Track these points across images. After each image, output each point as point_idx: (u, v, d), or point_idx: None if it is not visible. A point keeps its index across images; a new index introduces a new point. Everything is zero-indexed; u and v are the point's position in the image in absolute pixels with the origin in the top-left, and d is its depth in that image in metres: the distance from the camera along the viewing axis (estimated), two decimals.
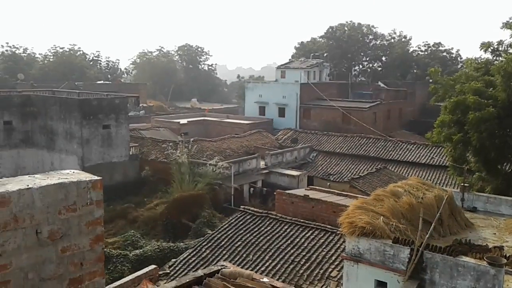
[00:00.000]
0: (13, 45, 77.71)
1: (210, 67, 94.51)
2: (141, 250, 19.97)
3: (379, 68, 73.71)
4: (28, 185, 2.36)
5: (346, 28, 73.46)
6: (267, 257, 15.35)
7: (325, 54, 62.25)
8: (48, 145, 31.58)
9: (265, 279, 3.53)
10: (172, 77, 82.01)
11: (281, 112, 50.08)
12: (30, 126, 32.07)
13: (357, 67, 75.08)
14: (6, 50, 76.93)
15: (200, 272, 3.63)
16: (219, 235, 16.95)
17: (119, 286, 12.95)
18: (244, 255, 15.59)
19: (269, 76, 74.30)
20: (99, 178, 2.67)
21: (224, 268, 3.68)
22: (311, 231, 16.25)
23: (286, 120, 48.64)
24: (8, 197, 2.25)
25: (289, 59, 64.20)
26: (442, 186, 23.26)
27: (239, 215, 18.02)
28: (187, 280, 3.45)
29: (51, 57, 77.31)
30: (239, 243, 16.27)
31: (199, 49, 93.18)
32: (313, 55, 59.60)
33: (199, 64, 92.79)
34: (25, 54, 79.14)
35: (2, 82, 62.60)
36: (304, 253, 15.19)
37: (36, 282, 2.38)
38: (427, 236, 10.28)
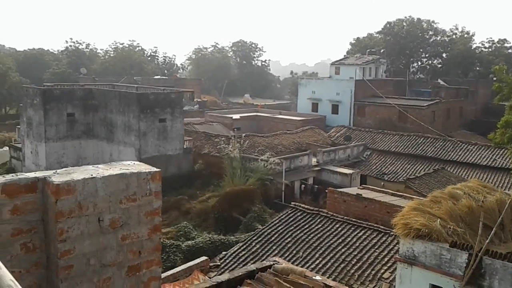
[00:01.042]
0: (77, 41, 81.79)
1: (263, 63, 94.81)
2: (193, 241, 20.41)
3: (439, 65, 70.87)
4: (92, 175, 2.46)
5: (404, 24, 71.17)
6: (317, 255, 15.23)
7: (382, 50, 60.69)
8: (107, 136, 32.94)
9: (318, 277, 3.49)
10: (226, 73, 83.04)
11: (335, 109, 49.38)
12: (91, 118, 33.57)
13: (415, 64, 72.57)
14: (70, 46, 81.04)
15: (252, 267, 3.65)
16: (269, 231, 17.01)
17: (172, 275, 13.34)
18: (294, 252, 15.55)
19: (322, 73, 73.48)
20: (158, 170, 2.74)
21: (276, 263, 3.67)
22: (363, 231, 15.95)
23: (339, 117, 47.91)
24: (74, 186, 2.36)
25: (344, 55, 63.14)
26: (505, 189, 22.07)
27: (289, 212, 17.99)
28: (240, 274, 3.48)
29: (112, 52, 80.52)
30: (289, 239, 16.25)
31: (253, 45, 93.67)
32: (369, 51, 58.25)
33: (252, 60, 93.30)
34: (88, 50, 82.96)
35: (66, 76, 66.05)
36: (355, 253, 14.94)
37: (97, 267, 2.48)
38: (487, 241, 9.80)
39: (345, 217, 16.94)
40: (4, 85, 56.82)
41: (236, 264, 15.42)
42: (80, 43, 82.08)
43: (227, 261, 15.76)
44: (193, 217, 25.08)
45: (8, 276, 1.56)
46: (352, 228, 16.18)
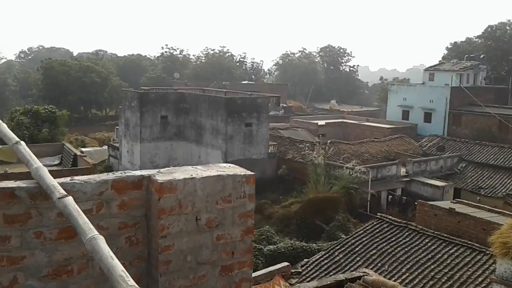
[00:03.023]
0: (171, 47, 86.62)
1: (351, 69, 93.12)
2: (274, 246, 20.52)
3: None
4: (192, 175, 2.57)
5: (508, 28, 65.88)
6: (404, 270, 14.57)
7: (481, 56, 56.71)
8: (196, 139, 34.32)
9: None
10: (312, 78, 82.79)
11: (427, 117, 46.98)
12: (182, 121, 35.19)
13: None
14: (165, 52, 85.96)
15: (341, 276, 3.58)
16: (353, 241, 16.59)
17: (253, 278, 13.52)
18: (379, 265, 15.01)
19: (414, 79, 70.34)
20: (252, 173, 2.79)
21: (366, 275, 3.57)
22: (455, 248, 14.97)
23: (432, 126, 45.48)
24: (175, 185, 2.48)
25: (439, 61, 59.91)
26: None
27: (375, 223, 17.41)
28: (328, 283, 3.43)
29: (203, 58, 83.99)
30: (374, 251, 15.72)
31: (341, 50, 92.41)
32: (467, 56, 54.71)
33: (340, 66, 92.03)
34: (181, 55, 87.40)
35: (160, 80, 70.07)
36: (446, 270, 14.06)
37: (193, 264, 2.58)
38: None
39: (436, 232, 16.04)
40: (105, 88, 61.46)
41: (318, 273, 15.23)
42: (175, 49, 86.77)
43: (309, 268, 15.61)
44: (276, 221, 25.22)
45: (120, 267, 1.67)
46: (443, 244, 15.26)
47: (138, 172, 2.56)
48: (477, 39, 68.55)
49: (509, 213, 18.24)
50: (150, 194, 2.50)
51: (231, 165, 2.93)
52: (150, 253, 2.54)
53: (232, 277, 2.72)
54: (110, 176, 2.48)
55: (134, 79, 71.50)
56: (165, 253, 2.48)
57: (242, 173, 2.76)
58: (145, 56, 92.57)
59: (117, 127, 42.87)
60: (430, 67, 53.07)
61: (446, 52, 69.25)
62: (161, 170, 2.62)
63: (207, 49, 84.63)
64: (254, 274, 13.90)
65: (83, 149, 36.08)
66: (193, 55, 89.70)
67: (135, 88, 43.51)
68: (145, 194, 2.52)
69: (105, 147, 42.28)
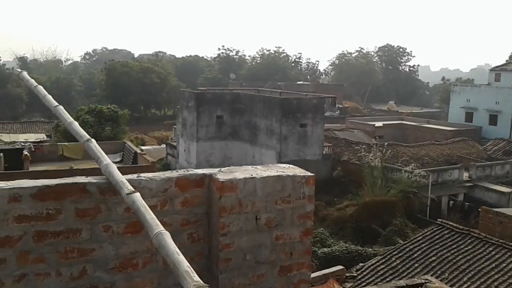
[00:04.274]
0: (228, 48, 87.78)
1: (411, 69, 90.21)
2: (329, 248, 20.27)
3: None
4: (252, 175, 2.58)
5: None
6: (465, 279, 13.92)
7: None
8: (251, 139, 34.59)
9: None
10: (369, 78, 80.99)
11: (493, 119, 44.61)
12: (237, 121, 35.60)
13: None
14: (222, 53, 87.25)
15: (402, 282, 3.47)
16: (411, 246, 16.05)
17: None
18: (439, 272, 14.42)
19: (479, 79, 67.00)
20: (312, 174, 2.77)
21: (428, 282, 3.44)
22: None
23: (498, 129, 43.14)
24: (236, 184, 2.51)
25: (506, 60, 56.71)
26: None
27: (435, 229, 16.74)
28: None
29: (259, 58, 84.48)
30: (433, 258, 15.12)
31: (401, 50, 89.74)
32: None
33: (399, 65, 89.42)
34: (237, 56, 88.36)
35: (217, 81, 71.33)
36: (511, 281, 13.29)
37: (252, 263, 2.60)
38: None
39: (501, 241, 15.19)
40: (164, 88, 63.35)
41: (373, 278, 14.87)
42: (231, 50, 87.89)
43: (364, 273, 15.27)
44: (330, 224, 24.91)
45: (185, 263, 1.71)
46: (509, 253, 14.44)
47: (200, 171, 2.62)
48: None
49: None
50: (212, 192, 2.54)
51: (290, 165, 2.93)
52: (211, 250, 2.59)
53: (291, 278, 2.71)
54: (174, 173, 2.55)
55: (191, 80, 73.22)
56: (225, 250, 2.51)
57: (301, 174, 2.74)
58: (202, 57, 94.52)
59: (175, 126, 44.09)
60: (496, 67, 50.39)
61: None
62: (222, 169, 2.66)
63: (263, 50, 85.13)
64: None
65: (143, 147, 37.47)
66: (249, 56, 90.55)
67: (192, 88, 44.54)
68: (206, 192, 2.56)
69: (163, 145, 43.61)
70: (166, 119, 62.22)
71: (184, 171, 2.60)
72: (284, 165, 2.92)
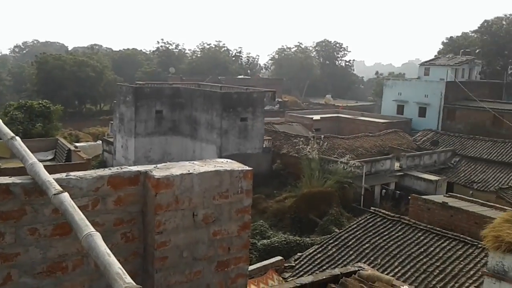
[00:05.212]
0: (167, 42, 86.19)
1: (347, 63, 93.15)
2: (268, 240, 20.57)
3: None
4: (189, 171, 2.56)
5: (504, 22, 66.01)
6: (396, 263, 14.68)
7: (477, 51, 56.89)
8: (191, 134, 34.26)
9: (406, 287, 3.35)
10: (308, 73, 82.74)
11: (422, 112, 47.16)
12: (177, 115, 35.09)
13: None
14: (161, 46, 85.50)
15: (337, 271, 3.59)
16: (346, 235, 16.68)
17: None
18: (372, 258, 15.10)
19: (410, 74, 70.52)
20: (250, 168, 2.79)
21: (361, 269, 3.58)
22: (447, 241, 15.10)
23: (426, 120, 45.67)
24: (172, 180, 2.47)
25: (435, 55, 60.11)
26: None
27: (368, 217, 17.50)
28: (324, 277, 3.44)
29: (199, 52, 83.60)
30: (367, 245, 15.81)
31: (337, 45, 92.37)
32: (463, 51, 54.88)
33: (336, 60, 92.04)
34: (177, 50, 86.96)
35: (156, 75, 69.83)
36: (438, 264, 14.19)
37: (189, 260, 2.58)
38: None
39: (429, 226, 16.16)
40: (100, 83, 61.13)
41: (311, 267, 15.30)
42: (170, 44, 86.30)
43: (302, 262, 15.68)
44: (269, 216, 25.27)
45: (117, 264, 1.66)
46: (436, 238, 15.39)
47: (134, 168, 2.55)
48: (473, 34, 68.69)
49: (502, 207, 18.39)
50: (147, 189, 2.49)
51: (228, 160, 2.93)
52: (146, 249, 2.53)
53: (228, 273, 2.72)
54: (106, 171, 2.47)
55: (129, 74, 71.15)
56: (161, 249, 2.47)
57: (239, 169, 2.75)
58: (141, 50, 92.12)
59: (112, 122, 42.71)
60: (426, 61, 53.18)
61: (441, 46, 69.38)
62: (158, 165, 2.61)
63: (203, 44, 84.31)
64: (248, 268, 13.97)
65: (77, 144, 35.93)
66: (189, 50, 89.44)
67: (130, 82, 43.27)
68: (141, 189, 2.51)
69: (99, 142, 42.12)
70: (102, 114, 60.14)
71: (117, 169, 2.52)
72: (222, 160, 2.92)
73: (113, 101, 49.95)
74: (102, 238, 1.82)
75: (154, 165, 2.59)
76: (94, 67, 61.08)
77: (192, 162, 2.73)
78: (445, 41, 70.13)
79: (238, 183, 2.70)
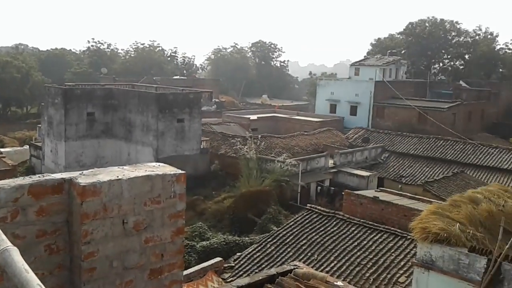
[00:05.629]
0: (98, 41, 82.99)
1: (282, 64, 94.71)
2: (207, 242, 20.44)
3: (461, 67, 69.86)
4: (118, 176, 2.46)
5: (427, 24, 70.32)
6: (332, 258, 15.13)
7: (403, 51, 60.13)
8: (126, 136, 33.25)
9: (339, 283, 3.45)
10: (244, 73, 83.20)
11: (353, 110, 49.05)
12: (110, 117, 33.91)
13: (437, 65, 71.71)
14: (92, 46, 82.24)
15: (273, 271, 3.63)
16: (284, 232, 16.96)
17: (186, 275, 13.40)
18: (309, 254, 15.47)
19: (342, 74, 73.04)
20: (182, 172, 2.74)
21: (297, 268, 3.64)
22: (379, 234, 15.79)
23: (358, 118, 47.57)
24: (99, 187, 2.37)
25: (364, 56, 62.72)
26: None
27: (305, 214, 17.91)
28: (260, 278, 3.46)
29: (132, 52, 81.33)
30: (304, 241, 16.18)
31: (272, 46, 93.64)
32: (390, 52, 57.74)
33: (271, 61, 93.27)
34: (109, 50, 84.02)
35: (87, 76, 67.01)
36: (371, 256, 14.80)
37: (120, 270, 2.49)
38: (506, 246, 9.59)
39: (361, 220, 16.80)
40: (26, 84, 57.87)
41: (250, 266, 15.41)
42: (102, 43, 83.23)
43: (241, 262, 15.75)
44: (208, 217, 25.15)
45: (35, 281, 1.56)
46: (368, 231, 16.04)
47: (58, 175, 2.42)
48: (398, 35, 72.51)
49: (428, 199, 19.53)
50: (72, 198, 2.37)
51: (160, 164, 2.86)
52: (72, 261, 2.41)
53: (162, 280, 2.66)
54: (26, 180, 2.32)
55: (58, 75, 67.73)
56: (88, 260, 2.36)
57: (171, 172, 2.70)
58: (70, 50, 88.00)
59: (40, 125, 40.48)
60: (356, 62, 55.31)
61: (370, 47, 72.62)
62: (84, 172, 2.49)
63: (137, 43, 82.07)
64: (186, 272, 13.78)
65: (2, 150, 33.78)
66: (122, 50, 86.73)
67: (59, 84, 41.17)
68: (66, 198, 2.38)
69: (26, 147, 39.77)
70: (29, 117, 56.90)
71: (39, 177, 2.38)
72: (153, 164, 2.84)
73: (40, 103, 47.34)
74: (24, 251, 1.71)
75: (80, 172, 2.47)
76: (19, 68, 57.66)
77: (121, 167, 2.64)
78: (373, 42, 73.50)
79: (170, 188, 2.64)
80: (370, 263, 14.48)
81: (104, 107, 33.68)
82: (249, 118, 46.75)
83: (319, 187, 29.51)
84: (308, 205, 19.32)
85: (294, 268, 3.61)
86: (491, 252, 9.06)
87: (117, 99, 33.96)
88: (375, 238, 15.61)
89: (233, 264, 15.58)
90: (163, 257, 2.64)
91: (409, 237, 14.40)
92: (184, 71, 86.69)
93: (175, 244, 2.68)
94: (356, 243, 15.53)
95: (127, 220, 2.48)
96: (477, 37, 69.78)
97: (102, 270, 2.41)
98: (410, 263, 13.08)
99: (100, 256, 2.39)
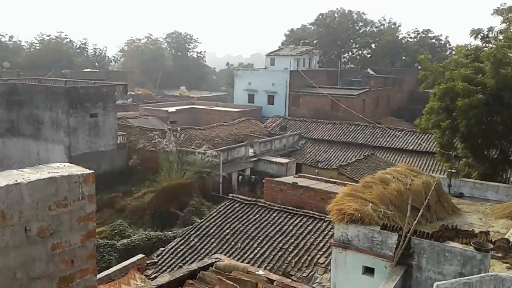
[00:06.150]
0: None
1: (199, 55, 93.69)
2: (128, 239, 19.87)
3: (369, 55, 73.82)
4: (16, 180, 2.28)
5: (336, 15, 73.25)
6: (255, 245, 15.42)
7: (315, 41, 62.11)
8: (34, 134, 31.12)
9: (261, 272, 3.51)
10: (160, 65, 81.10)
11: (270, 99, 49.99)
12: (15, 115, 31.54)
13: (346, 54, 75.11)
14: None
15: (194, 266, 3.59)
16: (207, 223, 16.96)
17: (107, 275, 12.94)
18: (233, 243, 15.63)
19: (258, 64, 73.94)
20: (91, 171, 2.60)
21: (218, 261, 3.64)
22: (299, 218, 16.34)
23: (275, 107, 48.57)
24: None
25: (279, 47, 63.93)
26: (430, 172, 23.50)
27: (227, 203, 18.03)
28: (181, 274, 3.41)
29: (38, 45, 75.81)
30: (227, 231, 16.30)
31: (188, 37, 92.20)
32: (303, 42, 59.39)
33: (188, 52, 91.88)
34: (11, 42, 77.58)
35: None
36: (292, 240, 15.28)
37: (25, 281, 2.32)
38: (414, 222, 10.38)
39: (282, 206, 17.26)
40: None
41: (174, 260, 15.24)
42: (3, 35, 76.54)
43: (165, 257, 15.53)
44: (128, 214, 24.41)
45: None
46: (289, 216, 16.53)
47: None
48: (310, 26, 74.83)
49: (343, 182, 20.53)
50: None
51: (66, 164, 2.70)
52: None
53: None
54: None
55: None
56: None
57: (79, 173, 2.55)
58: None
59: None
60: (271, 52, 56.26)
61: (284, 38, 74.21)
62: None
63: (42, 35, 76.51)
64: (107, 271, 13.31)
65: None
66: (26, 42, 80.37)
67: None
68: None
69: None
70: None
71: None
72: (58, 164, 2.67)
73: None
74: None
75: None
76: None
77: (21, 170, 2.45)
78: (287, 33, 75.22)
79: (78, 189, 2.50)
80: (292, 247, 14.95)
81: (8, 104, 31.22)
82: (167, 110, 45.86)
83: (240, 177, 29.80)
84: (230, 195, 19.47)
85: (215, 261, 3.61)
86: (401, 228, 9.76)
87: (22, 95, 31.60)
88: (296, 222, 16.13)
89: (156, 260, 15.30)
90: (73, 263, 2.49)
91: (326, 219, 15.03)
92: (96, 64, 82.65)
93: (86, 248, 2.55)
94: (277, 229, 15.93)
95: (30, 227, 2.30)
96: (381, 27, 74.11)
97: (4, 282, 2.23)
98: (328, 244, 13.69)
99: (1, 268, 2.21)
